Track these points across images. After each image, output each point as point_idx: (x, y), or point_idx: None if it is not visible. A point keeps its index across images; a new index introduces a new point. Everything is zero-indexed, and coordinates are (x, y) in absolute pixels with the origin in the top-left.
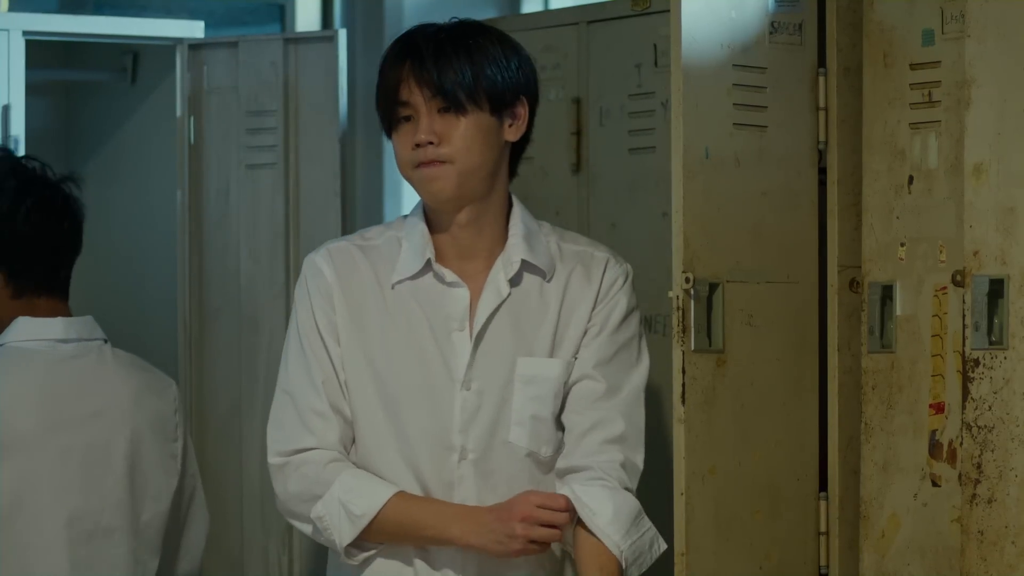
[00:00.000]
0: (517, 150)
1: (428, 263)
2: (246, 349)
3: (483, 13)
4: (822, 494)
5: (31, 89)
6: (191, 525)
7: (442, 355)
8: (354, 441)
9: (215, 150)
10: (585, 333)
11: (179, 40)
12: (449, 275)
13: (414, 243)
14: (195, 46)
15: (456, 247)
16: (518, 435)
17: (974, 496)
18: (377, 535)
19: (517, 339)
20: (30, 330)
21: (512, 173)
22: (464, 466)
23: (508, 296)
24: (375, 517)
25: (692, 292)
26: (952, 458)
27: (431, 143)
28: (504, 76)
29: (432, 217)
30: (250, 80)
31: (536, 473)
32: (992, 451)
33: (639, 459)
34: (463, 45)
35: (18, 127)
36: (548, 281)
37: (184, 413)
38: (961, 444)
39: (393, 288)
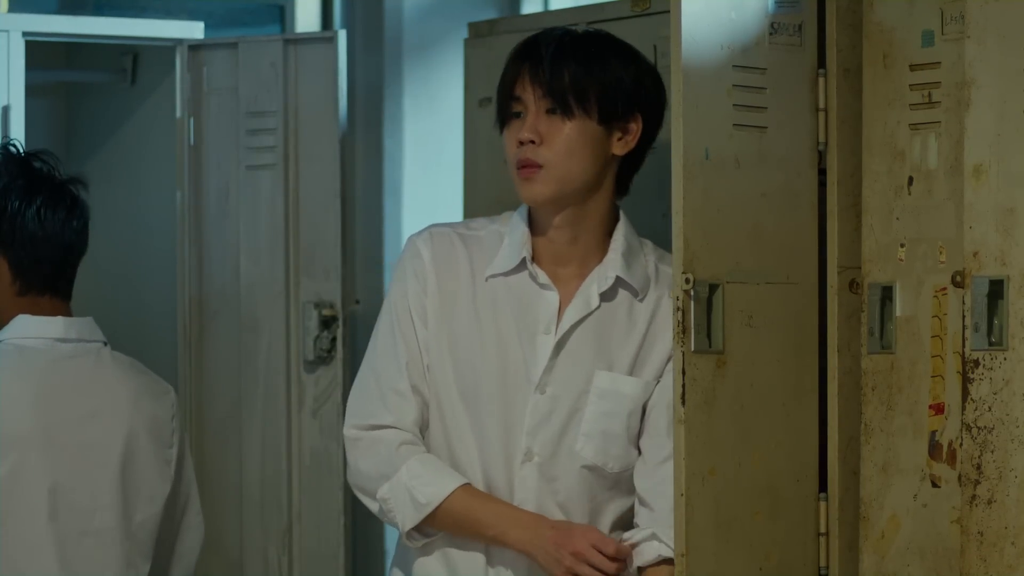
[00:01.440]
0: (630, 166)
1: (524, 262)
2: (245, 350)
3: (484, 14)
4: (822, 495)
5: (31, 90)
6: (185, 532)
7: (523, 355)
8: (428, 425)
9: (215, 151)
10: (669, 359)
11: (179, 41)
12: (542, 276)
13: (514, 240)
14: (195, 47)
15: (551, 250)
16: (585, 446)
17: (974, 497)
18: (439, 524)
19: (598, 352)
20: (30, 328)
21: (623, 190)
22: (527, 468)
23: (597, 308)
24: (438, 507)
25: (692, 293)
26: (952, 459)
27: (532, 142)
28: (619, 88)
29: (533, 217)
30: (250, 81)
31: (597, 487)
32: (992, 452)
33: None
34: (582, 51)
35: (18, 128)
36: (640, 301)
37: (181, 420)
38: (961, 445)
39: (487, 281)
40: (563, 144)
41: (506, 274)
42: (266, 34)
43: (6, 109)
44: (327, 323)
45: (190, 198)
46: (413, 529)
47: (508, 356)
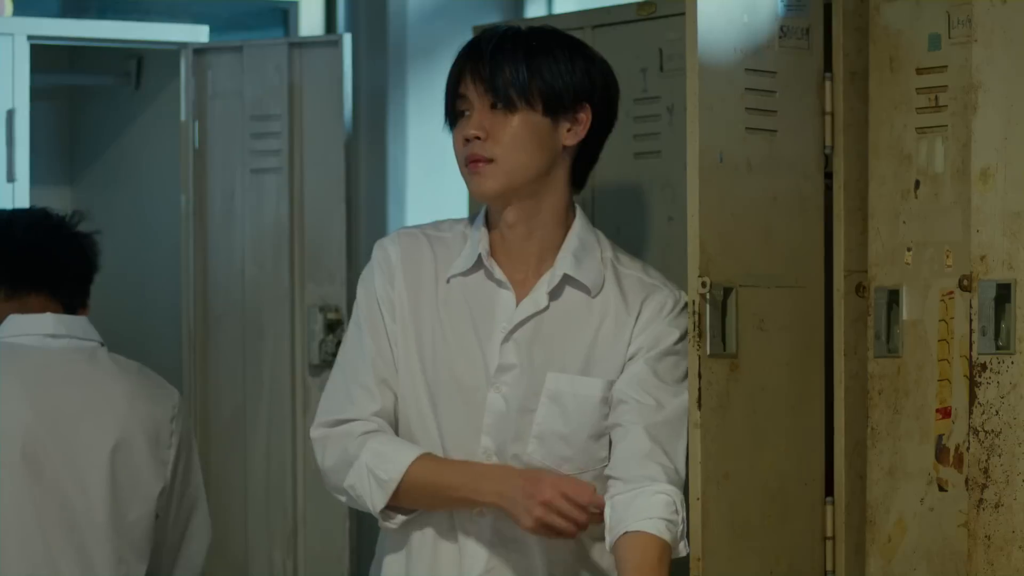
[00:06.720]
0: (585, 158)
1: (480, 259)
2: (250, 354)
3: (487, 17)
4: (828, 499)
5: (36, 93)
6: (192, 537)
7: (482, 354)
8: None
9: (219, 155)
10: (628, 361)
11: (183, 45)
12: (498, 272)
13: (473, 240)
14: (199, 51)
15: (506, 247)
16: (535, 449)
17: (981, 501)
18: (409, 499)
19: (549, 353)
20: (20, 326)
21: (578, 183)
22: None
23: (546, 308)
24: (402, 480)
25: (708, 297)
26: (959, 463)
27: (478, 138)
28: (564, 79)
29: (491, 215)
30: (255, 85)
31: None
32: (999, 456)
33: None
34: (524, 45)
35: (23, 132)
36: (594, 298)
37: (185, 422)
38: (968, 449)
39: (448, 282)
40: (509, 138)
41: (465, 274)
42: (270, 38)
43: (11, 113)
44: (332, 327)
45: (194, 202)
46: (387, 508)
47: (468, 355)
